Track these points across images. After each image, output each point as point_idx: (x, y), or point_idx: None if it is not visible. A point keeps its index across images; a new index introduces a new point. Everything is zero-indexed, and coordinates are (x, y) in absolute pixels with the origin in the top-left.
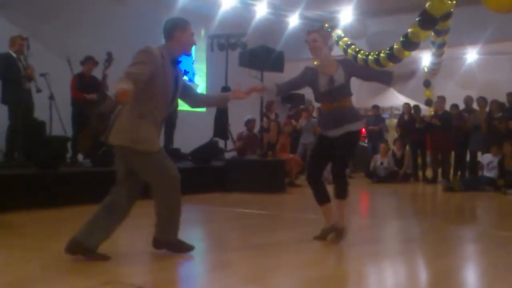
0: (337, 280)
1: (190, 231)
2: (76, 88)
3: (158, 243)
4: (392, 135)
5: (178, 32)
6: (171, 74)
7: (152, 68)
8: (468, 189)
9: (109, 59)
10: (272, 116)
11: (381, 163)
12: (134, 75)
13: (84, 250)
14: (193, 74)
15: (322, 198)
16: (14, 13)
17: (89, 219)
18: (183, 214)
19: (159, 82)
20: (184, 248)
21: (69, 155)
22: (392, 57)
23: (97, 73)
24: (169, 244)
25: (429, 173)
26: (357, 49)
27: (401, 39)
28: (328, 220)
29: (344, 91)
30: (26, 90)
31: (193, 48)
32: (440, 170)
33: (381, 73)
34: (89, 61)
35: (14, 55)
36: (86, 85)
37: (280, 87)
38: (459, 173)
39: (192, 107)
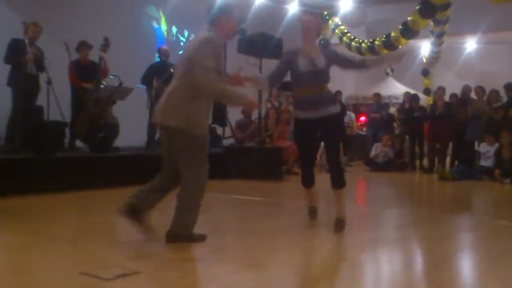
0: (333, 267)
1: None
2: (74, 75)
3: (170, 236)
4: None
5: (223, 18)
6: None
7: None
8: (462, 178)
9: (106, 44)
10: (276, 103)
11: (382, 151)
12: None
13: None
14: None
15: (309, 181)
16: None
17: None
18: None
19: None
20: (196, 239)
21: (67, 140)
22: (389, 44)
23: (95, 57)
24: (182, 238)
25: (426, 162)
26: (352, 37)
27: (400, 27)
28: (312, 201)
29: (323, 76)
30: (30, 74)
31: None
32: (437, 160)
33: (359, 61)
34: (83, 46)
35: (27, 41)
36: (85, 71)
37: (270, 79)
38: (456, 162)
39: None
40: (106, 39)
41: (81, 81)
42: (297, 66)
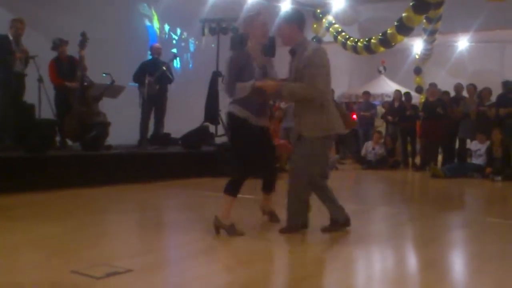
0: (325, 264)
1: (180, 216)
2: (55, 73)
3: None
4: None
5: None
6: None
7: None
8: (454, 175)
9: (84, 39)
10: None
11: (373, 149)
12: None
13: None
14: None
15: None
16: None
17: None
18: (173, 199)
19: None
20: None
21: (58, 138)
22: (385, 42)
23: (74, 53)
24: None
25: (418, 160)
26: (347, 36)
27: (396, 23)
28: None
29: None
30: (17, 73)
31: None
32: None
33: None
34: (61, 43)
35: (11, 37)
36: (65, 68)
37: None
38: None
39: None
40: (83, 35)
41: (63, 80)
42: (253, 71)
